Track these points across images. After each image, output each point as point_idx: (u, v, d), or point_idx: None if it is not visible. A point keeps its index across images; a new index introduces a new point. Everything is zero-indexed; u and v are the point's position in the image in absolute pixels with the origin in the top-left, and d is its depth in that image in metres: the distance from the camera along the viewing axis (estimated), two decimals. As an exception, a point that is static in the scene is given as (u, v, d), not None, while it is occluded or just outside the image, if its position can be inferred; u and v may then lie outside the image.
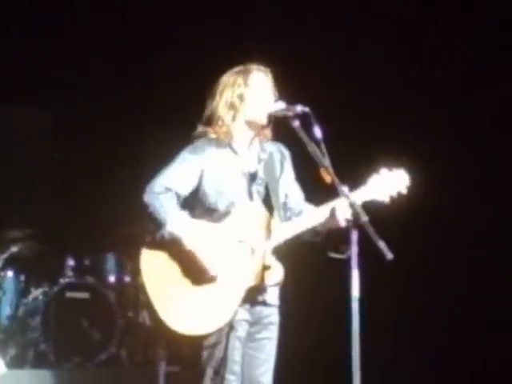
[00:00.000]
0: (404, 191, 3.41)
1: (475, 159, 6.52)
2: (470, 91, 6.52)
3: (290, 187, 3.68)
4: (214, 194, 3.52)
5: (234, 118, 3.58)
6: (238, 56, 3.70)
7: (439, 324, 6.59)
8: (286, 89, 3.60)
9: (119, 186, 7.11)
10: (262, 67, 3.65)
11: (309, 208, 3.60)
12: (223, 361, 3.34)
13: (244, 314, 3.44)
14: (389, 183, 3.41)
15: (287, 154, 3.72)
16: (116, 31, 7.08)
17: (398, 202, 3.40)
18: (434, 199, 6.17)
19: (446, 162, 6.51)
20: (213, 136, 3.59)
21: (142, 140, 7.87)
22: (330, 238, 3.43)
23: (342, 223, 3.32)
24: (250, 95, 3.57)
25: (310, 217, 3.47)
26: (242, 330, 3.43)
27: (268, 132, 3.66)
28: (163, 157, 3.60)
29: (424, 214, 6.23)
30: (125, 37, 7.11)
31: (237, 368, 3.41)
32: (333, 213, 3.35)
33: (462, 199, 6.49)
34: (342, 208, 3.30)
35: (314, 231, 3.47)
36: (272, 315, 3.55)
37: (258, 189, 3.58)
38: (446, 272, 6.56)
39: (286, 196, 3.66)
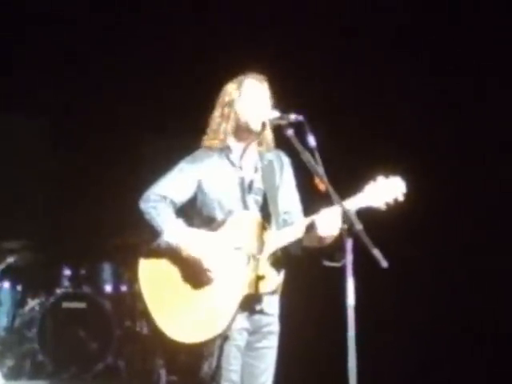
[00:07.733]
0: (400, 198, 3.40)
1: (477, 161, 6.49)
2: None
3: (288, 196, 3.66)
4: (211, 204, 3.53)
5: (227, 126, 3.58)
6: (239, 64, 3.70)
7: (435, 330, 6.57)
8: (283, 93, 3.59)
9: (116, 195, 7.11)
10: (257, 75, 3.65)
11: (299, 219, 3.56)
12: (218, 370, 3.34)
13: (243, 322, 3.43)
14: (385, 190, 3.39)
15: (287, 161, 3.70)
16: (115, 39, 7.09)
17: (394, 208, 3.40)
18: (429, 205, 6.15)
19: (446, 167, 6.50)
20: (210, 146, 3.60)
21: (141, 149, 7.87)
22: (322, 250, 3.41)
23: (329, 233, 3.28)
24: (240, 102, 3.57)
25: (294, 229, 3.43)
26: (240, 339, 3.42)
27: (270, 140, 3.66)
28: (162, 166, 3.61)
29: (419, 221, 6.22)
30: (124, 45, 7.13)
31: (234, 377, 3.39)
32: (311, 227, 3.32)
33: (461, 203, 6.46)
34: (334, 217, 3.27)
35: (299, 245, 3.44)
36: (272, 324, 3.53)
37: (256, 198, 3.57)
38: (442, 278, 6.54)
39: (285, 205, 3.64)
